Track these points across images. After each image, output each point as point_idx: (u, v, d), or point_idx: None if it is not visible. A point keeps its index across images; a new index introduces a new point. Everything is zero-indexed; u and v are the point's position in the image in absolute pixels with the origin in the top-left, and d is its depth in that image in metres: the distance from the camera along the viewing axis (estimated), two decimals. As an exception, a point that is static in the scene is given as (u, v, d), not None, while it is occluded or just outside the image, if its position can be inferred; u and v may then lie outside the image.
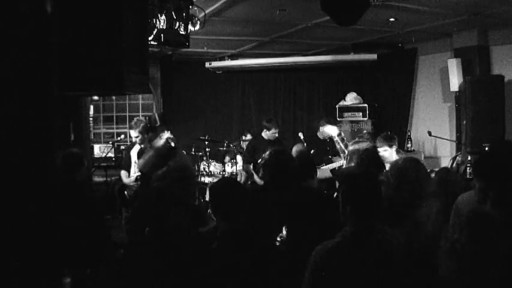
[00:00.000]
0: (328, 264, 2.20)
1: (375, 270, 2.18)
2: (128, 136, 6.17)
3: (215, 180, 7.11)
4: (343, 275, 2.18)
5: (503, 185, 2.31)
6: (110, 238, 4.01)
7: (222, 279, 2.29)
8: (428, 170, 6.29)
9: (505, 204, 2.25)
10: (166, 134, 5.19)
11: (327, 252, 2.23)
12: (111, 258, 3.59)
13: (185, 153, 7.00)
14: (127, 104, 9.54)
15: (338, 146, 5.18)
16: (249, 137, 8.07)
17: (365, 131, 7.62)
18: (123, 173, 5.72)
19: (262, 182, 6.33)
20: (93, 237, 3.52)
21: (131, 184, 5.51)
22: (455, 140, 7.08)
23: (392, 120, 8.33)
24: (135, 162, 5.81)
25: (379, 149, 4.79)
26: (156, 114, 5.52)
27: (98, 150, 7.88)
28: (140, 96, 9.37)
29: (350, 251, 2.21)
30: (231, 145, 7.98)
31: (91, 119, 7.81)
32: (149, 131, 5.47)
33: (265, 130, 6.57)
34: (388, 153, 4.75)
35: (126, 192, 5.63)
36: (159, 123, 5.21)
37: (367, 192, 2.35)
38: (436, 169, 6.40)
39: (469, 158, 5.75)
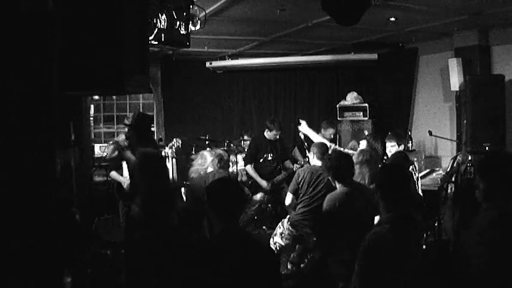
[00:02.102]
0: (382, 248, 2.44)
1: (416, 249, 2.55)
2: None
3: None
4: (396, 257, 2.43)
5: (506, 186, 2.33)
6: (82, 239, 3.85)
7: (218, 279, 2.29)
8: (429, 170, 6.37)
9: (507, 205, 2.27)
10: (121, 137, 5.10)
11: (381, 237, 2.49)
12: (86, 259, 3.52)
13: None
14: (127, 104, 9.54)
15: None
16: (246, 138, 8.08)
17: (366, 131, 7.63)
18: (113, 174, 5.69)
19: (265, 183, 6.41)
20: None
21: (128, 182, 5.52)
22: (455, 139, 7.07)
23: (392, 120, 8.33)
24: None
25: (387, 144, 5.07)
26: (133, 114, 5.43)
27: (99, 149, 7.88)
28: (141, 95, 9.37)
29: (399, 234, 2.49)
30: (232, 145, 7.98)
31: (91, 118, 7.81)
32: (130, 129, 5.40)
33: (267, 130, 6.60)
34: (395, 149, 5.16)
35: (124, 187, 5.62)
36: (129, 123, 5.15)
37: (402, 181, 2.67)
38: (437, 169, 6.45)
39: (469, 158, 5.75)
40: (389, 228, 2.52)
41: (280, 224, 4.98)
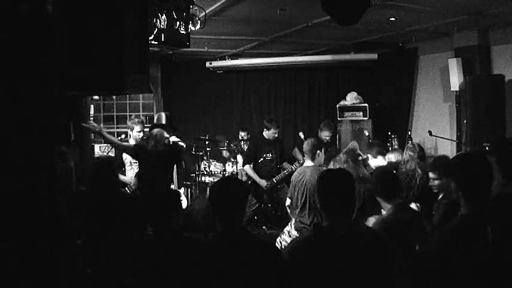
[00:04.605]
0: (300, 256, 2.38)
1: (343, 261, 2.30)
2: (129, 136, 6.16)
3: (215, 179, 7.13)
4: (315, 265, 2.32)
5: (472, 186, 2.37)
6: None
7: (217, 279, 2.29)
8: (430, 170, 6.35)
9: (474, 204, 2.32)
10: (173, 137, 5.22)
11: (299, 246, 2.48)
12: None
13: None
14: (127, 104, 9.54)
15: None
16: (242, 133, 8.08)
17: (365, 131, 7.63)
18: None
19: (264, 182, 6.40)
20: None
21: (131, 182, 5.51)
22: (455, 139, 7.08)
23: (392, 120, 8.33)
24: (131, 162, 5.80)
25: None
26: (164, 114, 5.52)
27: (98, 149, 7.88)
28: (141, 95, 9.38)
29: (319, 244, 2.36)
30: (232, 145, 7.99)
31: (91, 118, 7.80)
32: (151, 129, 5.47)
33: (265, 129, 6.60)
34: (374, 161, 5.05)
35: (126, 188, 5.62)
36: (164, 123, 5.22)
37: (340, 193, 2.42)
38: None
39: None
40: (307, 237, 2.57)
41: (290, 222, 5.01)
